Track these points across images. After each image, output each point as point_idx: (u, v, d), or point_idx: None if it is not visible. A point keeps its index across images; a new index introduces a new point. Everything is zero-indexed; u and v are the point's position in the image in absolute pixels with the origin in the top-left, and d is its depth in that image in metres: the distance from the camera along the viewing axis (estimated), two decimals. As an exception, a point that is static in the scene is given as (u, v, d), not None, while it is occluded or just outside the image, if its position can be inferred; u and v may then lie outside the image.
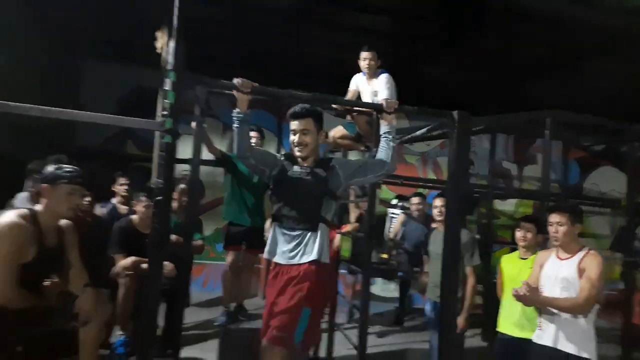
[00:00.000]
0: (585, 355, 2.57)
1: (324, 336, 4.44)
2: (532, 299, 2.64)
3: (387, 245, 5.39)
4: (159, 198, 2.01)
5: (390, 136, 2.54)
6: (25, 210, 2.12)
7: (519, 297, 2.65)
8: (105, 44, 6.73)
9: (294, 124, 2.46)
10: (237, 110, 2.38)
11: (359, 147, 4.25)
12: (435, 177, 8.59)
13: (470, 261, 3.58)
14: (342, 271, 5.18)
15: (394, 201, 5.97)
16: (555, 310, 2.65)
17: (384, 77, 3.82)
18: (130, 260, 2.92)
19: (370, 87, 3.94)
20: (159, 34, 5.28)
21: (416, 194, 5.64)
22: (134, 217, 3.25)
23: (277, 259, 2.38)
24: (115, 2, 5.21)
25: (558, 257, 2.77)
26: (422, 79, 7.01)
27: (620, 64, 6.22)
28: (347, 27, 5.74)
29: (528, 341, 2.98)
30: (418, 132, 4.92)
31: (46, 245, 2.13)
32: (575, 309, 2.58)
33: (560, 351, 2.60)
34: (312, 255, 2.29)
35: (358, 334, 3.45)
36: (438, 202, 3.87)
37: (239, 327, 3.85)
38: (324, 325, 4.34)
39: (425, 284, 3.99)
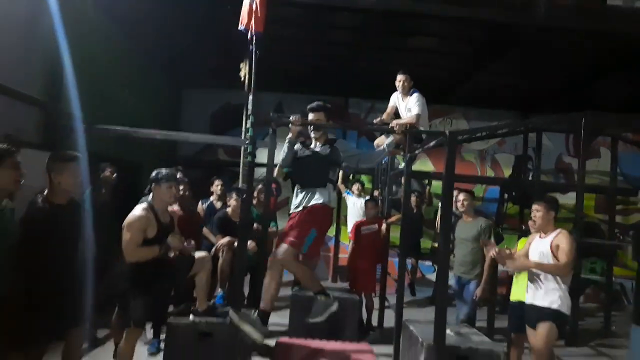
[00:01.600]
0: (554, 307, 3.32)
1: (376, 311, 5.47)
2: (522, 263, 3.49)
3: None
4: (244, 196, 3.13)
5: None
6: (145, 204, 3.25)
7: (501, 258, 3.48)
8: (200, 72, 8.18)
9: (311, 116, 3.55)
10: (290, 136, 3.46)
11: (399, 152, 5.15)
12: (493, 173, 9.13)
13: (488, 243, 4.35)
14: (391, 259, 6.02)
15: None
16: (540, 278, 3.41)
17: (415, 96, 4.72)
18: (227, 239, 4.12)
19: (404, 103, 4.86)
20: (242, 65, 6.58)
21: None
22: (228, 209, 4.46)
23: (295, 208, 3.43)
24: (204, 34, 6.41)
25: (539, 237, 3.58)
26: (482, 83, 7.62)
27: None
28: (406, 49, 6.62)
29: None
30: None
31: (161, 224, 3.25)
32: (557, 271, 3.36)
33: (536, 305, 3.40)
34: (320, 200, 3.35)
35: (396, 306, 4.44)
36: (461, 196, 4.66)
37: (305, 294, 4.88)
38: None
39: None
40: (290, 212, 3.53)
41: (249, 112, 3.27)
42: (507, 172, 9.00)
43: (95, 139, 4.19)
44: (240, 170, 6.75)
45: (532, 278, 3.49)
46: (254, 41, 3.44)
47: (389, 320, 5.32)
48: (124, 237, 3.10)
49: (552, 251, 3.39)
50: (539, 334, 3.31)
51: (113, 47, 6.14)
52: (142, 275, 3.09)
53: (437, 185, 8.37)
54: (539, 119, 7.99)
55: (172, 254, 3.24)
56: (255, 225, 4.62)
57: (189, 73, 8.16)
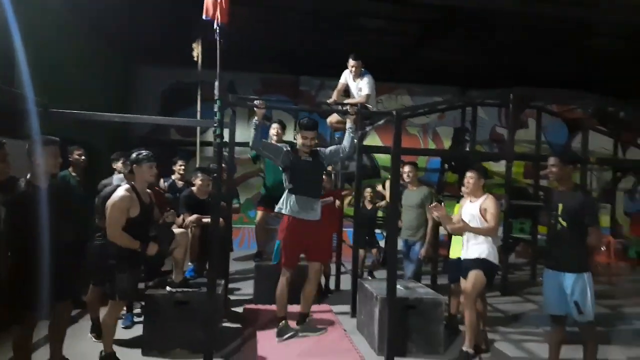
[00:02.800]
0: (482, 257, 3.79)
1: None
2: (465, 228, 3.87)
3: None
4: (215, 175, 3.41)
5: (352, 130, 3.96)
6: (128, 185, 3.44)
7: (434, 210, 3.89)
8: (149, 50, 8.13)
9: (307, 134, 3.85)
10: (256, 119, 3.73)
11: (343, 128, 5.56)
12: (435, 145, 9.80)
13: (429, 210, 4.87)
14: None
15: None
16: (472, 236, 3.89)
17: (366, 78, 5.12)
18: (194, 217, 4.39)
19: (356, 83, 5.25)
20: (194, 45, 6.68)
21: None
22: (194, 188, 4.70)
23: (297, 215, 3.81)
24: (154, 9, 6.34)
25: (470, 201, 4.05)
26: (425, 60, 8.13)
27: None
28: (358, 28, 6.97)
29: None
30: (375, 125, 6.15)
31: (143, 204, 3.46)
32: (489, 232, 3.83)
33: (468, 258, 3.90)
34: (319, 216, 3.87)
35: (352, 268, 4.95)
36: (406, 168, 5.16)
37: (267, 264, 5.26)
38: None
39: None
40: (287, 214, 3.86)
41: (216, 96, 3.50)
42: (447, 144, 9.72)
43: (48, 122, 4.21)
44: (197, 149, 7.00)
45: (466, 237, 3.96)
46: (219, 31, 3.65)
47: (346, 284, 5.86)
48: (108, 217, 3.30)
49: (480, 213, 3.87)
50: (468, 280, 3.81)
51: (63, 25, 6.06)
52: (129, 250, 3.32)
53: (384, 159, 8.93)
54: (474, 94, 8.63)
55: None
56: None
57: (140, 49, 8.10)
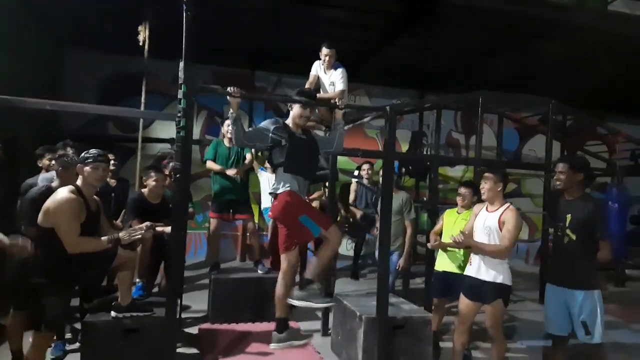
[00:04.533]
0: (499, 281, 3.22)
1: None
2: (466, 242, 3.25)
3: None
4: (178, 176, 2.81)
5: (341, 125, 3.42)
6: (72, 187, 2.85)
7: (456, 243, 3.34)
8: (86, 34, 7.20)
9: (305, 111, 3.28)
10: (231, 111, 3.10)
11: (321, 128, 5.10)
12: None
13: (408, 216, 4.53)
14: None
15: (355, 172, 6.85)
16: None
17: (339, 71, 4.63)
18: (146, 224, 3.69)
19: (328, 76, 4.76)
20: (140, 28, 5.92)
21: (366, 162, 6.45)
22: (145, 190, 4.01)
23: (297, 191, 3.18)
24: None
25: (487, 210, 3.41)
26: (385, 60, 7.81)
27: (559, 47, 7.19)
28: (317, 20, 6.50)
29: (457, 275, 4.04)
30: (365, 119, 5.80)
31: (90, 210, 2.89)
32: (497, 254, 3.20)
33: (480, 279, 3.29)
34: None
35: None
36: (365, 166, 4.81)
37: (224, 277, 4.67)
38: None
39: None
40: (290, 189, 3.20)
41: (180, 80, 2.89)
42: (404, 147, 9.52)
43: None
44: (139, 146, 6.22)
45: (477, 253, 3.36)
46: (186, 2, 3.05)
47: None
48: (59, 225, 2.71)
49: (499, 227, 3.25)
50: (491, 310, 3.25)
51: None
52: (64, 268, 2.67)
53: (342, 161, 8.52)
54: (443, 97, 8.44)
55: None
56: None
57: (74, 32, 7.14)
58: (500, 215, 3.29)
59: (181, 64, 2.89)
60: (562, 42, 7.08)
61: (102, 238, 2.85)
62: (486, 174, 3.45)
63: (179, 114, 2.84)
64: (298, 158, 3.18)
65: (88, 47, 7.68)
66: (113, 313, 3.11)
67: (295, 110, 3.28)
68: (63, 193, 2.78)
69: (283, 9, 6.23)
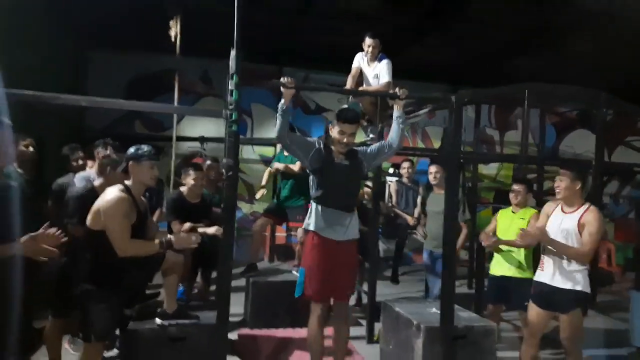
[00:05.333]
0: (578, 288, 2.95)
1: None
2: (544, 240, 3.00)
3: (386, 209, 6.01)
4: (230, 173, 2.58)
5: (401, 119, 3.11)
6: (121, 186, 2.68)
7: (526, 236, 3.04)
8: (108, 33, 7.04)
9: (346, 127, 2.91)
10: (282, 102, 2.89)
11: (362, 123, 4.82)
12: (424, 146, 9.27)
13: (462, 217, 4.24)
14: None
15: (391, 170, 6.58)
16: (564, 257, 3.00)
17: (385, 63, 4.36)
18: (187, 225, 3.50)
19: (372, 69, 4.49)
20: (172, 23, 5.74)
21: (406, 160, 6.18)
22: (183, 188, 3.80)
23: (327, 234, 2.90)
24: None
25: (562, 210, 3.11)
26: (414, 55, 7.55)
27: (591, 41, 6.84)
28: (345, 15, 6.25)
29: (516, 279, 3.77)
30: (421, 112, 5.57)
31: (140, 211, 2.71)
32: (579, 258, 2.95)
33: (555, 286, 3.01)
34: (356, 235, 2.99)
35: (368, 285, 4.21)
36: (433, 168, 4.50)
37: (263, 280, 4.45)
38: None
39: (424, 234, 4.62)
40: (314, 230, 2.96)
41: (232, 70, 2.66)
42: (436, 144, 9.20)
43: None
44: (173, 144, 6.05)
45: (554, 257, 3.06)
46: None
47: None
48: (110, 227, 2.52)
49: (578, 230, 2.97)
50: (569, 320, 2.99)
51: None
52: (113, 273, 2.49)
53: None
54: (487, 91, 8.12)
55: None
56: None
57: (99, 32, 6.99)
58: (581, 217, 2.99)
59: (232, 53, 2.65)
60: (597, 34, 6.71)
61: (155, 241, 2.65)
62: (562, 171, 3.13)
63: (230, 107, 2.60)
64: (332, 188, 2.91)
65: (112, 47, 7.53)
66: (158, 320, 2.90)
67: (334, 134, 2.96)
68: (114, 193, 2.59)
69: (310, 4, 5.98)
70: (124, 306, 2.81)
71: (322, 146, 2.97)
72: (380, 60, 4.44)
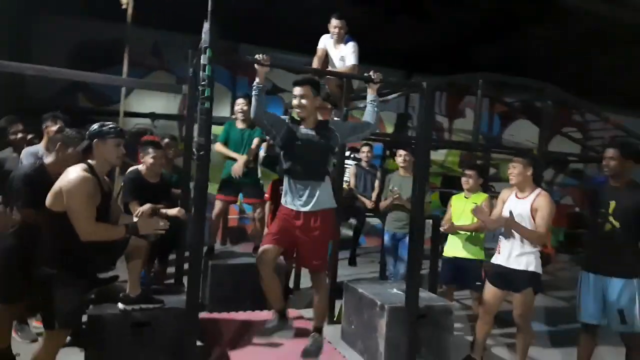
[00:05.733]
0: (531, 269, 3.13)
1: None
2: (509, 223, 3.15)
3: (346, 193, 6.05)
4: (201, 153, 2.48)
5: (375, 103, 3.08)
6: (84, 165, 2.50)
7: (479, 211, 3.28)
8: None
9: (295, 90, 2.90)
10: (257, 81, 2.79)
11: (327, 106, 4.80)
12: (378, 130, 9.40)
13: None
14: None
15: (347, 153, 6.62)
16: (516, 239, 3.18)
17: (351, 45, 4.34)
18: (147, 207, 3.33)
19: (338, 51, 4.46)
20: (124, -11, 5.37)
21: (365, 145, 6.25)
22: (141, 167, 3.61)
23: (292, 206, 2.86)
24: None
25: (516, 196, 3.30)
26: (377, 42, 7.57)
27: (553, 31, 7.15)
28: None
29: (468, 260, 3.98)
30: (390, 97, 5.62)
31: (104, 192, 2.55)
32: (536, 239, 3.13)
33: (510, 268, 3.19)
34: (329, 203, 2.91)
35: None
36: (403, 152, 4.61)
37: (223, 263, 4.39)
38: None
39: (387, 207, 4.66)
40: (284, 205, 2.94)
41: (205, 44, 2.53)
42: (389, 129, 9.37)
43: None
44: (120, 120, 5.72)
45: (510, 241, 3.23)
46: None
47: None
48: (73, 209, 2.35)
49: (532, 214, 3.16)
50: (522, 299, 3.18)
51: None
52: (78, 256, 2.34)
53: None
54: (443, 78, 8.31)
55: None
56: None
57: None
58: (533, 202, 3.18)
59: (206, 25, 2.53)
60: (554, 28, 7.06)
61: (120, 225, 2.52)
62: (515, 158, 3.32)
63: (203, 82, 2.49)
64: (296, 158, 2.86)
65: (55, 14, 6.98)
66: (121, 305, 2.78)
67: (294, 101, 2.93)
68: (77, 172, 2.42)
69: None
70: (88, 290, 2.68)
71: (290, 121, 2.96)
72: (346, 42, 4.42)
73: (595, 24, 6.80)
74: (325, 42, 4.56)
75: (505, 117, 10.27)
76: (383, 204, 4.66)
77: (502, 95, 8.65)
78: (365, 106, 3.16)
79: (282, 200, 2.97)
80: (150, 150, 3.55)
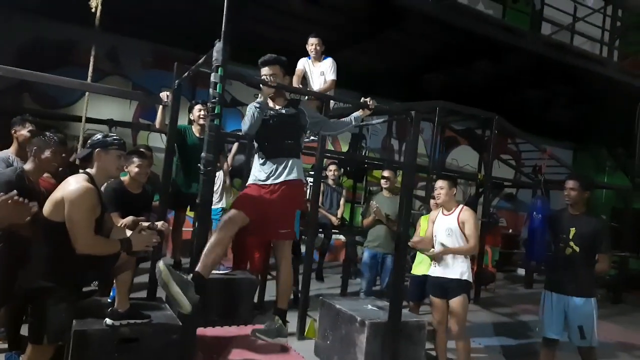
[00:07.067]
0: (465, 278, 3.57)
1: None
2: (443, 252, 3.60)
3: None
4: (209, 169, 2.49)
5: (356, 121, 3.21)
6: (85, 175, 2.42)
7: (417, 246, 3.68)
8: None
9: (264, 70, 2.93)
10: (261, 99, 2.85)
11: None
12: (333, 148, 9.63)
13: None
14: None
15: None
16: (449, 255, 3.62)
17: (329, 61, 4.52)
18: (129, 219, 3.24)
19: (317, 68, 4.61)
20: (95, -7, 5.18)
21: (332, 163, 6.42)
22: (125, 178, 3.50)
23: (259, 180, 2.88)
24: None
25: (443, 214, 3.74)
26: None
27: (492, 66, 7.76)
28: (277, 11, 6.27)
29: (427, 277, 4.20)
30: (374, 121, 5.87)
31: (103, 204, 2.48)
32: (470, 251, 3.63)
33: (447, 277, 3.59)
34: (296, 174, 2.90)
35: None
36: (386, 173, 4.82)
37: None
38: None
39: (369, 223, 4.81)
40: (250, 183, 2.97)
41: (217, 62, 2.53)
42: (344, 148, 9.63)
43: None
44: (82, 126, 5.44)
45: (443, 255, 3.64)
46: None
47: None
48: (74, 221, 2.26)
49: (459, 227, 3.58)
50: (456, 305, 3.54)
51: None
52: (73, 269, 2.29)
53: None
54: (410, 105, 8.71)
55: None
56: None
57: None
58: (458, 216, 3.64)
59: (218, 45, 2.56)
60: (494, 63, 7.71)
61: (115, 240, 2.46)
62: (441, 181, 3.76)
63: (213, 100, 2.52)
64: (266, 136, 2.89)
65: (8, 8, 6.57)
66: (109, 320, 2.68)
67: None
68: (80, 182, 2.35)
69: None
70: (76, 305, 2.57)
71: (259, 107, 2.90)
72: (324, 59, 4.59)
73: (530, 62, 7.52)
74: (304, 64, 4.70)
75: (449, 143, 10.91)
76: (366, 221, 4.82)
77: (454, 123, 9.24)
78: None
79: (251, 179, 2.96)
80: (135, 159, 3.47)
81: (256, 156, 2.99)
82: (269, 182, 2.89)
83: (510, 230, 11.22)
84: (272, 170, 2.90)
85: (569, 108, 9.53)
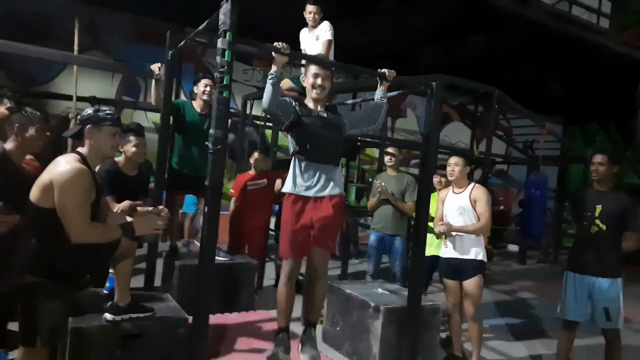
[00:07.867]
0: (480, 258, 3.39)
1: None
2: (451, 230, 3.39)
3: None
4: (218, 147, 2.22)
5: (385, 100, 2.97)
6: (76, 155, 2.13)
7: (440, 226, 3.41)
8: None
9: (318, 69, 2.73)
10: (275, 70, 2.56)
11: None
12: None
13: (412, 197, 4.32)
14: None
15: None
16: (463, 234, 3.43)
17: (325, 23, 4.14)
18: (126, 203, 2.95)
19: (312, 34, 4.26)
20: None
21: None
22: (120, 159, 3.20)
23: (306, 193, 2.68)
24: None
25: (453, 192, 3.55)
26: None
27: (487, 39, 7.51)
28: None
29: (434, 257, 4.02)
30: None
31: (98, 185, 2.20)
32: (481, 229, 3.41)
33: (460, 258, 3.42)
34: (340, 189, 2.75)
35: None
36: (391, 150, 4.58)
37: (192, 264, 4.06)
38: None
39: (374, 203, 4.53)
40: (291, 192, 2.73)
41: (225, 26, 2.24)
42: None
43: None
44: (74, 104, 5.08)
45: (457, 234, 3.46)
46: None
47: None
48: (65, 206, 1.99)
49: (472, 205, 3.41)
50: (472, 287, 3.37)
51: None
52: (66, 260, 2.03)
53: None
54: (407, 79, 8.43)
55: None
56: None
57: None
58: (470, 194, 3.46)
59: (226, 5, 2.27)
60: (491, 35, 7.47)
61: (115, 225, 2.20)
62: (455, 157, 3.56)
63: (222, 69, 2.24)
64: (314, 141, 2.68)
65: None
66: (109, 316, 2.43)
67: (309, 79, 2.76)
68: (71, 163, 2.06)
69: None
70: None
71: (296, 101, 2.76)
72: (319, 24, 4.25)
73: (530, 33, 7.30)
74: (301, 35, 4.37)
75: (442, 120, 10.73)
76: (371, 202, 4.58)
77: (453, 98, 9.04)
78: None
79: (289, 187, 2.74)
80: (132, 137, 3.16)
81: (296, 160, 2.74)
82: (311, 193, 2.70)
83: (502, 207, 11.19)
84: (314, 180, 2.70)
85: (562, 82, 9.39)
